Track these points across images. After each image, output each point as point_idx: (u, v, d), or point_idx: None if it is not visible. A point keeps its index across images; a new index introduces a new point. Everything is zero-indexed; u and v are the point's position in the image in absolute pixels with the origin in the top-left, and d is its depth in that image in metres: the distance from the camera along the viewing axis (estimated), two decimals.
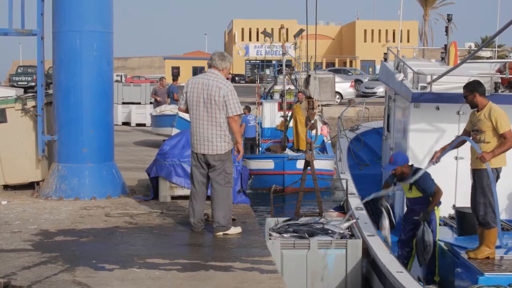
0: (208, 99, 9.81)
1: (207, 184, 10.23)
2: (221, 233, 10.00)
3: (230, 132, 9.91)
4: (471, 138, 10.11)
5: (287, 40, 25.18)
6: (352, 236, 10.87)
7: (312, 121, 12.21)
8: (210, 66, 10.14)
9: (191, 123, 10.09)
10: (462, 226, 11.54)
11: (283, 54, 24.89)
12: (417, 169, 11.15)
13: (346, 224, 11.10)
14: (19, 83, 53.94)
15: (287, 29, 25.99)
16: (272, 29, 76.86)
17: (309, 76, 12.13)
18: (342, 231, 10.81)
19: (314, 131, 12.53)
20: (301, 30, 25.49)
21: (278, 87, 30.18)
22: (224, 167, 9.98)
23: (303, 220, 11.34)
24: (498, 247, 10.01)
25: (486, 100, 10.07)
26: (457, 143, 10.57)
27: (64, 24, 12.81)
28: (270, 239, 10.53)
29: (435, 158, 10.62)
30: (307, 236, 10.79)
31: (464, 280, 9.60)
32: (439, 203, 11.20)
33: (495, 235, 9.86)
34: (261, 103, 28.96)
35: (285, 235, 10.96)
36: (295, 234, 10.93)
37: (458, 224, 11.77)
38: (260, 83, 32.44)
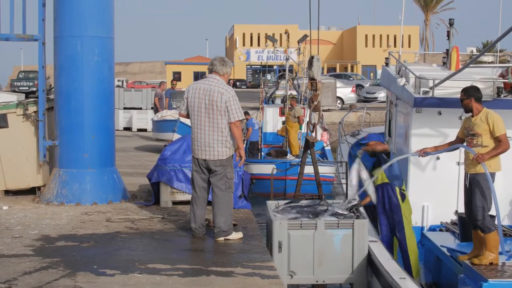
0: (210, 105, 9.79)
1: (208, 190, 10.22)
2: (222, 238, 9.99)
3: (231, 138, 9.90)
4: (466, 143, 10.14)
5: (290, 45, 25.21)
6: (358, 217, 10.85)
7: (315, 103, 12.13)
8: (211, 71, 10.11)
9: (192, 129, 10.08)
10: (465, 232, 11.51)
11: (286, 59, 24.89)
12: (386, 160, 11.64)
13: (349, 205, 11.09)
14: (20, 88, 53.95)
15: (288, 35, 26.00)
16: (273, 34, 76.86)
17: (312, 57, 12.07)
18: (346, 212, 10.80)
19: (311, 130, 12.45)
20: (305, 36, 25.49)
21: (279, 92, 30.17)
22: (225, 172, 9.97)
23: (304, 203, 11.32)
24: (499, 253, 9.98)
25: (481, 106, 10.09)
26: (451, 150, 10.68)
27: (65, 30, 12.81)
28: (276, 219, 10.51)
29: (423, 153, 10.81)
30: (311, 217, 10.78)
31: (467, 286, 9.56)
32: (403, 196, 11.42)
33: (496, 239, 9.82)
34: (263, 108, 28.96)
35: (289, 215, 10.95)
36: (298, 216, 10.90)
37: (461, 230, 11.74)
38: (263, 88, 32.44)
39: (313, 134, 12.34)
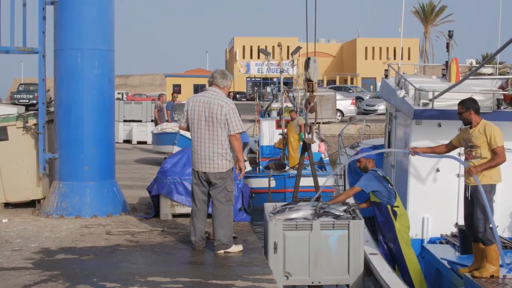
0: (210, 117, 9.81)
1: (208, 202, 10.21)
2: (222, 251, 9.97)
3: (231, 150, 9.90)
4: (465, 155, 10.15)
5: (287, 58, 25.16)
6: (354, 218, 10.81)
7: (312, 104, 12.10)
8: (211, 84, 10.13)
9: (192, 141, 10.08)
10: (465, 244, 11.49)
11: (281, 71, 24.87)
12: (376, 171, 11.67)
13: (344, 207, 11.06)
14: (20, 100, 54.02)
15: (281, 47, 25.96)
16: (273, 47, 77.03)
17: (308, 58, 12.05)
18: (342, 214, 10.76)
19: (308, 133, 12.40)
20: (299, 48, 25.48)
21: (275, 105, 30.15)
22: (225, 185, 9.97)
23: (301, 204, 11.29)
24: (500, 266, 9.96)
25: (480, 118, 10.10)
26: (442, 156, 10.87)
27: (65, 42, 12.83)
28: (271, 220, 10.48)
29: (413, 152, 10.95)
30: (307, 217, 10.73)
31: None
32: (395, 214, 11.37)
33: (497, 251, 9.81)
34: (259, 121, 28.90)
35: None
36: (294, 216, 10.85)
37: (461, 243, 11.72)
38: (261, 100, 32.46)
39: (310, 135, 12.31)
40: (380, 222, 11.60)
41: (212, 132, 9.83)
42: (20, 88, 61.32)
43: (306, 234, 10.41)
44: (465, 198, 10.09)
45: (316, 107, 12.18)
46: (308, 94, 12.46)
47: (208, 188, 10.05)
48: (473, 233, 10.05)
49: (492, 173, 9.85)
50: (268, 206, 11.51)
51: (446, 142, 12.19)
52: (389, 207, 11.42)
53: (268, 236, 10.44)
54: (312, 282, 10.56)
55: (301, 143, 23.53)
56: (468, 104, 10.16)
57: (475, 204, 9.85)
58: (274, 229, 10.35)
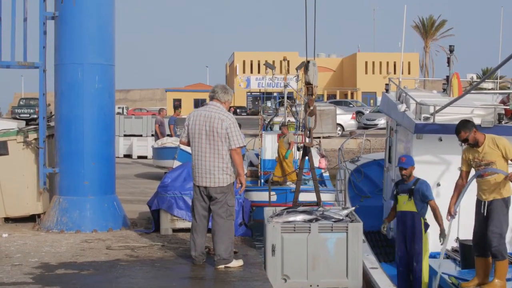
0: (211, 131, 9.82)
1: (208, 217, 10.19)
2: (222, 266, 9.93)
3: (232, 165, 9.89)
4: (479, 174, 10.04)
5: (288, 72, 25.14)
6: (352, 220, 10.74)
7: (311, 107, 12.04)
8: (212, 98, 10.15)
9: (192, 156, 10.07)
10: (466, 259, 11.46)
11: (285, 86, 24.89)
12: (419, 178, 11.41)
13: (345, 212, 11.00)
14: (21, 115, 54.14)
15: (288, 61, 25.99)
16: (274, 61, 77.11)
17: (308, 62, 12.01)
18: (342, 218, 10.70)
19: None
20: (303, 63, 25.49)
21: (277, 119, 30.14)
22: (226, 199, 9.96)
23: (301, 209, 11.23)
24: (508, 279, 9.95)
25: (482, 134, 10.08)
26: (467, 188, 10.37)
27: (66, 57, 12.84)
28: (269, 222, 10.42)
29: (452, 212, 10.41)
30: (306, 220, 10.68)
31: None
32: (426, 226, 11.22)
33: (507, 267, 9.78)
34: (261, 135, 28.88)
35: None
36: (293, 219, 10.78)
37: (462, 257, 11.68)
38: (262, 114, 32.40)
39: (310, 139, 12.26)
40: (413, 234, 11.39)
41: (213, 146, 9.83)
42: (21, 103, 61.48)
43: (304, 237, 10.36)
44: (479, 214, 10.03)
45: (316, 111, 12.13)
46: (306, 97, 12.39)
47: (209, 203, 10.03)
48: (480, 248, 10.00)
49: (507, 185, 9.81)
50: (268, 211, 11.47)
51: (447, 156, 12.18)
52: (422, 220, 11.32)
53: (266, 239, 10.40)
54: (311, 285, 10.49)
55: (286, 160, 23.57)
56: (468, 126, 10.08)
57: (492, 218, 9.79)
58: (272, 232, 10.31)
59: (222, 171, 9.87)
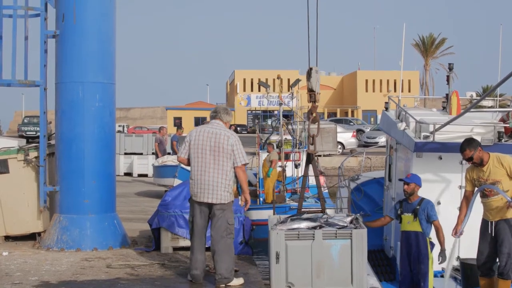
0: (216, 147, 9.93)
1: (206, 234, 10.20)
2: (223, 285, 9.93)
3: (233, 182, 9.96)
4: (485, 193, 10.00)
5: (287, 90, 25.13)
6: (356, 227, 10.66)
7: (314, 114, 11.99)
8: (214, 118, 10.29)
9: (193, 171, 10.08)
10: (467, 278, 11.43)
11: (280, 104, 24.86)
12: (424, 198, 11.29)
13: (349, 218, 10.92)
14: (27, 132, 54.82)
15: (281, 80, 25.98)
16: (274, 80, 77.22)
17: (310, 68, 11.99)
18: (346, 224, 10.63)
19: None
20: (298, 80, 25.48)
21: (274, 137, 30.11)
22: (226, 217, 9.98)
23: (305, 216, 11.15)
24: None
25: (486, 152, 10.06)
26: (473, 204, 10.30)
27: (66, 75, 12.89)
28: (273, 230, 10.36)
29: (458, 232, 10.36)
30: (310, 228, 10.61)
31: None
32: (432, 246, 11.20)
33: (509, 287, 9.76)
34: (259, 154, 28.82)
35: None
36: (297, 227, 10.72)
37: (463, 276, 11.66)
38: (262, 133, 32.42)
39: (313, 146, 12.22)
40: (419, 254, 11.31)
41: (218, 162, 9.94)
42: (25, 121, 61.96)
43: (308, 244, 10.25)
44: (485, 234, 10.01)
45: (318, 118, 12.09)
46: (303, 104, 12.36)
47: (208, 220, 10.05)
48: (486, 269, 9.99)
49: None
50: (272, 219, 11.43)
51: (447, 174, 12.15)
52: (427, 239, 11.29)
53: (271, 246, 10.33)
54: None
55: (270, 178, 23.53)
56: (474, 144, 10.01)
57: (502, 238, 9.78)
58: (276, 239, 10.21)
59: (224, 188, 9.94)
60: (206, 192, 9.95)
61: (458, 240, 10.46)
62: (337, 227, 10.45)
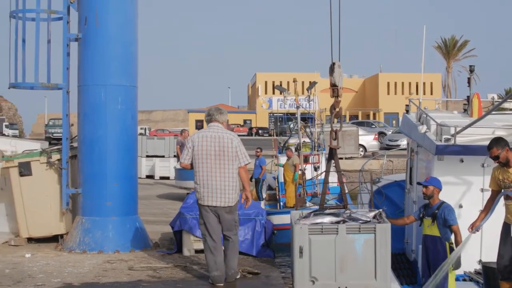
0: (221, 151, 10.06)
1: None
2: (234, 279, 10.28)
3: (238, 182, 10.11)
4: (508, 195, 9.93)
5: (303, 93, 25.12)
6: (380, 222, 10.59)
7: (337, 109, 11.91)
8: (210, 121, 10.42)
9: (199, 176, 10.20)
10: (489, 282, 11.36)
11: (297, 107, 24.81)
12: (444, 202, 11.17)
13: (373, 213, 10.86)
14: (54, 134, 55.35)
15: (296, 83, 25.94)
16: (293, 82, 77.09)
17: (333, 63, 11.93)
18: (369, 219, 10.57)
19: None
20: (314, 83, 25.44)
21: (292, 141, 30.06)
22: (234, 217, 10.27)
23: (328, 211, 11.09)
24: None
25: None
26: (495, 206, 10.25)
27: (89, 78, 12.96)
28: (297, 224, 10.33)
29: (474, 227, 10.35)
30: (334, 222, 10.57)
31: None
32: (452, 251, 11.13)
33: None
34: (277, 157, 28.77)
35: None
36: (320, 221, 10.69)
37: (485, 280, 11.58)
38: (284, 136, 32.39)
39: (336, 141, 12.16)
40: (437, 259, 11.19)
41: (223, 165, 10.09)
42: (50, 123, 62.58)
43: (332, 238, 10.20)
44: (507, 237, 9.95)
45: (341, 113, 12.02)
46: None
47: (218, 221, 10.24)
48: (507, 272, 9.93)
49: None
50: (295, 214, 11.40)
51: (469, 177, 12.07)
52: (447, 244, 11.22)
53: (294, 241, 10.30)
54: (339, 287, 10.42)
55: (295, 183, 23.48)
56: (502, 143, 9.93)
57: None
58: (299, 233, 10.15)
59: (232, 190, 10.13)
60: (214, 196, 10.09)
61: (471, 235, 10.38)
62: (361, 221, 10.41)
